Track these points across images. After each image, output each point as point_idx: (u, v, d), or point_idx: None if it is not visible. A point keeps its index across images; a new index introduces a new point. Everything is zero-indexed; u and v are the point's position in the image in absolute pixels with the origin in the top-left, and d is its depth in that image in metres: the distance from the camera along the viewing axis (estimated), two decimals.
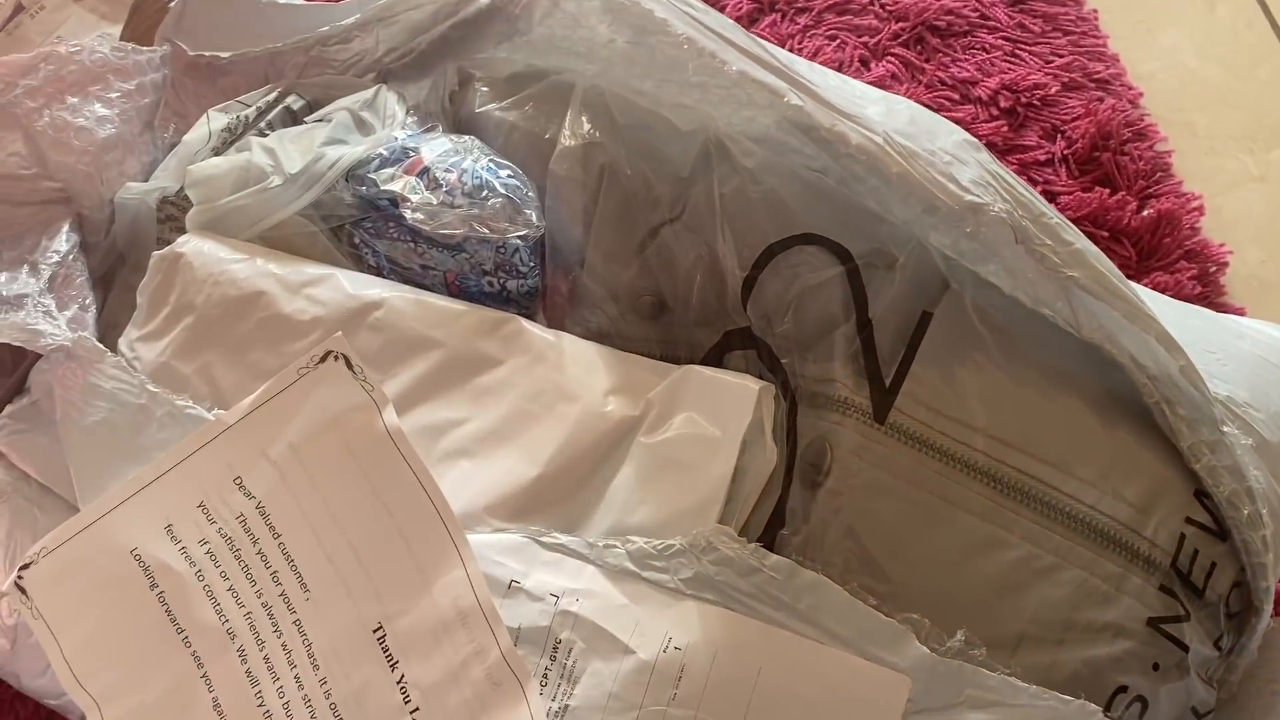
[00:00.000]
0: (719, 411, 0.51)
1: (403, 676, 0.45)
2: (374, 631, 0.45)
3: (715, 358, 0.56)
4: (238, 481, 0.47)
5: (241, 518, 0.47)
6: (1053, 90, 0.85)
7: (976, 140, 0.51)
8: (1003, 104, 0.85)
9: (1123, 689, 0.47)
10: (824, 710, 0.46)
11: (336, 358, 0.48)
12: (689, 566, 0.48)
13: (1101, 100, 0.85)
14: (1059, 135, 0.84)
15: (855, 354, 0.51)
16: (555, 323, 0.59)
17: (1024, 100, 0.85)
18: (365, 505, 0.47)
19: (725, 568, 0.47)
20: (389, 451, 0.47)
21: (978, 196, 0.49)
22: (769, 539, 0.49)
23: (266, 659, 0.45)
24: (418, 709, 0.45)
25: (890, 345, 0.51)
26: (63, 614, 0.47)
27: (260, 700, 0.45)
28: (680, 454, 0.51)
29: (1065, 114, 0.85)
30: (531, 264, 0.59)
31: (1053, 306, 0.53)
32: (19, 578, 0.47)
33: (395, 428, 0.47)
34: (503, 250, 0.58)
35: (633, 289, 0.58)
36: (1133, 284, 0.53)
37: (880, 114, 0.50)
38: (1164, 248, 0.78)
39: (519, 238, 0.57)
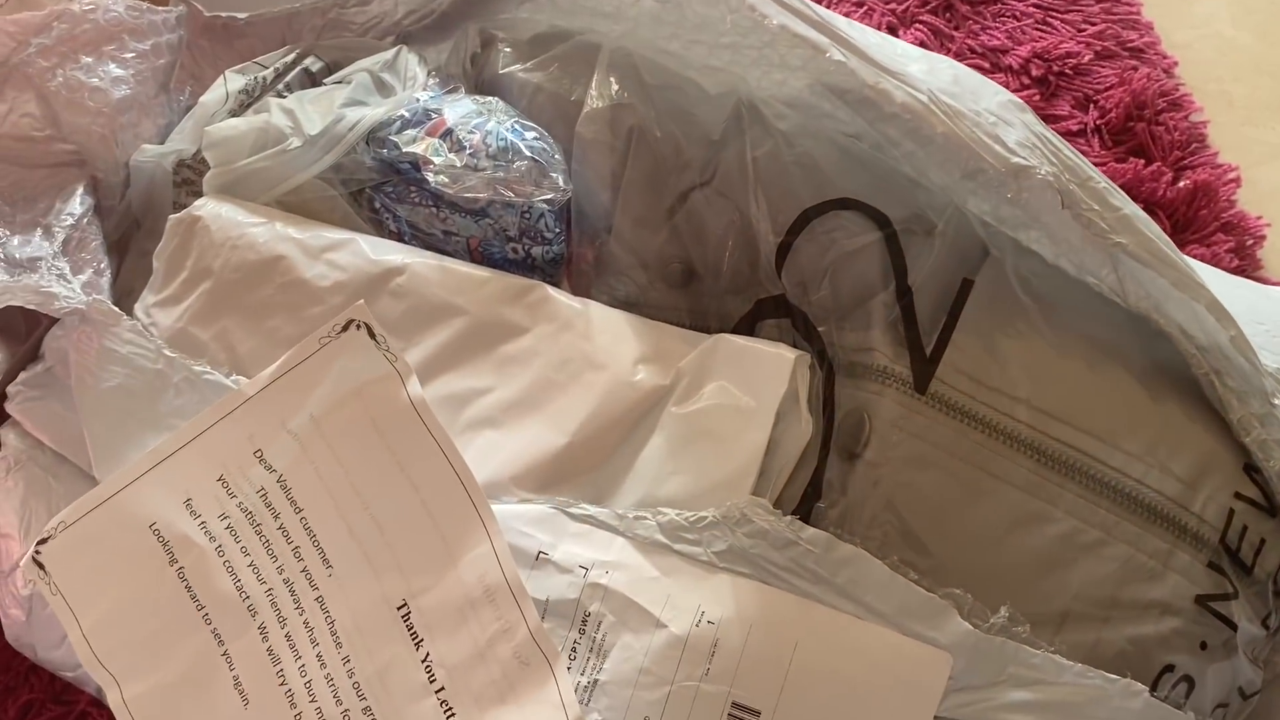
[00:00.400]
0: (753, 381, 0.50)
1: (427, 655, 0.44)
2: (398, 609, 0.44)
3: (747, 326, 0.54)
4: (258, 454, 0.46)
5: (262, 491, 0.46)
6: (1085, 59, 0.83)
7: (1021, 101, 0.50)
8: (1034, 73, 0.83)
9: (1169, 668, 0.46)
10: (862, 687, 0.44)
11: (359, 326, 0.47)
12: (722, 539, 0.46)
13: (1135, 69, 0.83)
14: (1092, 105, 0.82)
15: (895, 322, 0.49)
16: (581, 291, 0.58)
17: (1056, 69, 0.83)
18: (389, 478, 0.46)
19: (760, 540, 0.46)
20: (413, 423, 0.45)
21: (1024, 159, 0.47)
22: (805, 512, 0.48)
23: (288, 636, 0.44)
24: (443, 688, 0.43)
25: (930, 314, 0.50)
26: (81, 590, 0.46)
27: (282, 678, 0.43)
28: (713, 424, 0.50)
29: (1098, 83, 0.83)
30: (557, 230, 0.57)
31: (1098, 275, 0.51)
32: (36, 552, 0.46)
33: (419, 399, 0.46)
34: (528, 215, 0.57)
35: (661, 256, 0.56)
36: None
37: (923, 72, 0.49)
38: (1200, 220, 0.76)
39: (545, 202, 0.56)
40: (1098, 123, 0.81)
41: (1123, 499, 0.47)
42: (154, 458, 0.47)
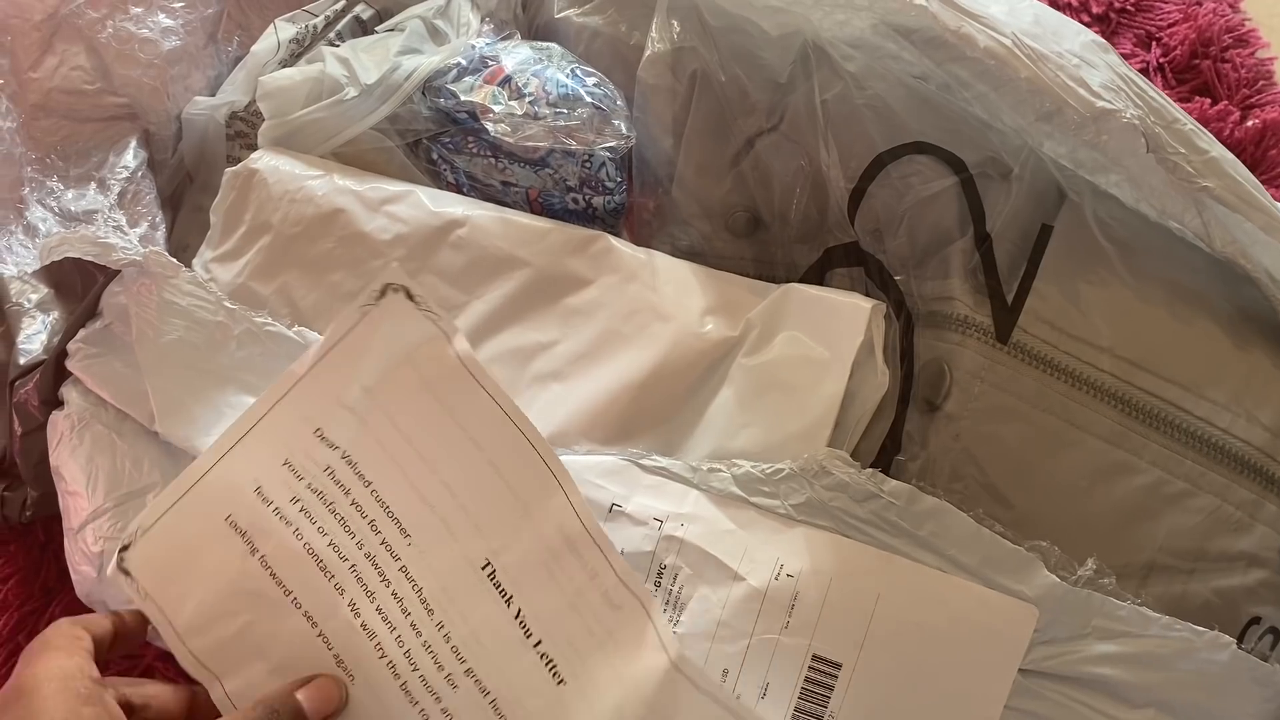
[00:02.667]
0: (826, 331, 0.49)
1: (519, 610, 0.43)
2: (482, 569, 0.44)
3: (816, 275, 0.53)
4: (319, 434, 0.45)
5: (329, 470, 0.45)
6: None
7: (1104, 41, 0.48)
8: (1094, 10, 0.80)
9: (1256, 620, 0.45)
10: (946, 640, 0.44)
11: (396, 290, 0.45)
12: (800, 491, 0.46)
13: (1200, 4, 0.80)
14: (1154, 42, 0.79)
15: (974, 270, 0.48)
16: (643, 241, 0.57)
17: (1117, 5, 0.80)
18: (452, 441, 0.45)
19: (839, 493, 0.45)
20: (465, 382, 0.45)
21: (1109, 102, 0.46)
22: (884, 465, 0.47)
23: (379, 609, 0.44)
24: (540, 641, 0.43)
25: (1010, 261, 0.48)
26: (169, 591, 0.45)
27: (380, 651, 0.43)
28: (785, 375, 0.49)
29: (1161, 19, 0.80)
30: (619, 179, 0.56)
31: (1181, 219, 0.49)
32: (120, 560, 0.46)
33: (468, 355, 0.45)
34: (589, 164, 0.55)
35: (726, 204, 0.55)
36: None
37: (1004, 13, 0.47)
38: (1269, 160, 0.74)
39: (607, 150, 0.54)
40: (1161, 61, 0.78)
41: (1209, 449, 0.46)
42: (217, 452, 0.46)
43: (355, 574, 0.44)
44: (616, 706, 0.44)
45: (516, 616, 0.43)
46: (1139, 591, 0.45)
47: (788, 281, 0.53)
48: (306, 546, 0.44)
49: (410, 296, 0.45)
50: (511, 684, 0.43)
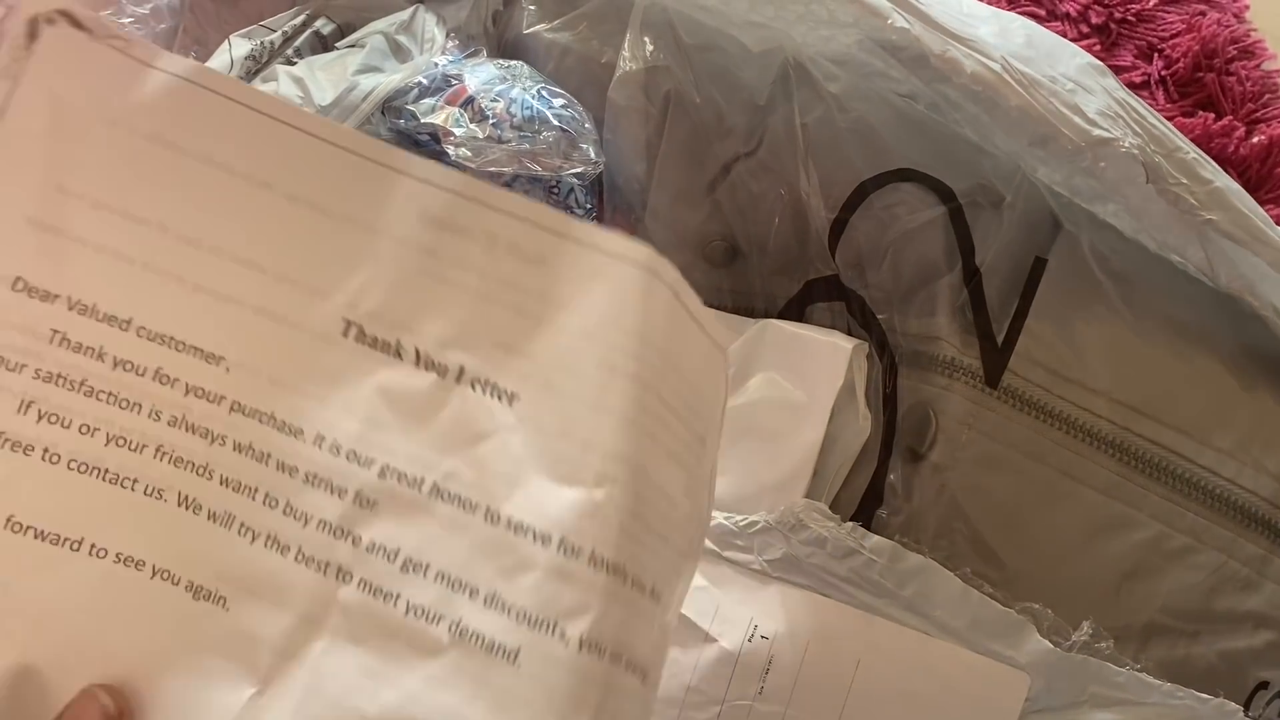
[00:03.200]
0: (805, 372, 0.46)
1: (417, 351, 0.29)
2: (345, 335, 0.29)
3: (796, 310, 0.50)
4: (18, 286, 0.28)
5: (57, 335, 0.28)
6: (1149, 4, 0.77)
7: (1101, 64, 0.45)
8: (1094, 20, 0.77)
9: (1263, 685, 0.43)
10: (931, 708, 0.41)
11: (51, 21, 0.28)
12: (776, 546, 0.43)
13: (1204, 14, 0.77)
14: (1156, 54, 0.76)
15: (963, 307, 0.45)
16: None
17: (1117, 16, 0.77)
18: (226, 197, 0.29)
19: (818, 549, 0.42)
20: (211, 107, 0.28)
21: (1106, 130, 0.43)
22: (865, 518, 0.44)
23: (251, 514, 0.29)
24: (461, 371, 0.29)
25: (1001, 296, 0.45)
26: None
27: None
28: (761, 420, 0.46)
29: (1163, 30, 0.77)
30: (588, 205, 0.53)
31: (1184, 252, 0.47)
32: None
33: (197, 69, 0.28)
34: (556, 190, 0.52)
35: (702, 233, 0.52)
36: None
37: (993, 35, 0.44)
38: (1275, 178, 0.71)
39: (575, 176, 0.51)
40: (1163, 73, 0.75)
41: (1213, 501, 0.43)
42: None
43: (169, 460, 0.29)
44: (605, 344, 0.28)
45: (418, 362, 0.29)
46: (1139, 655, 0.42)
47: (765, 315, 0.50)
48: (74, 466, 0.29)
49: (77, 24, 0.28)
50: (460, 470, 0.28)
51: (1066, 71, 0.44)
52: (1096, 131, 0.42)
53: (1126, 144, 0.42)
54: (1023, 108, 0.41)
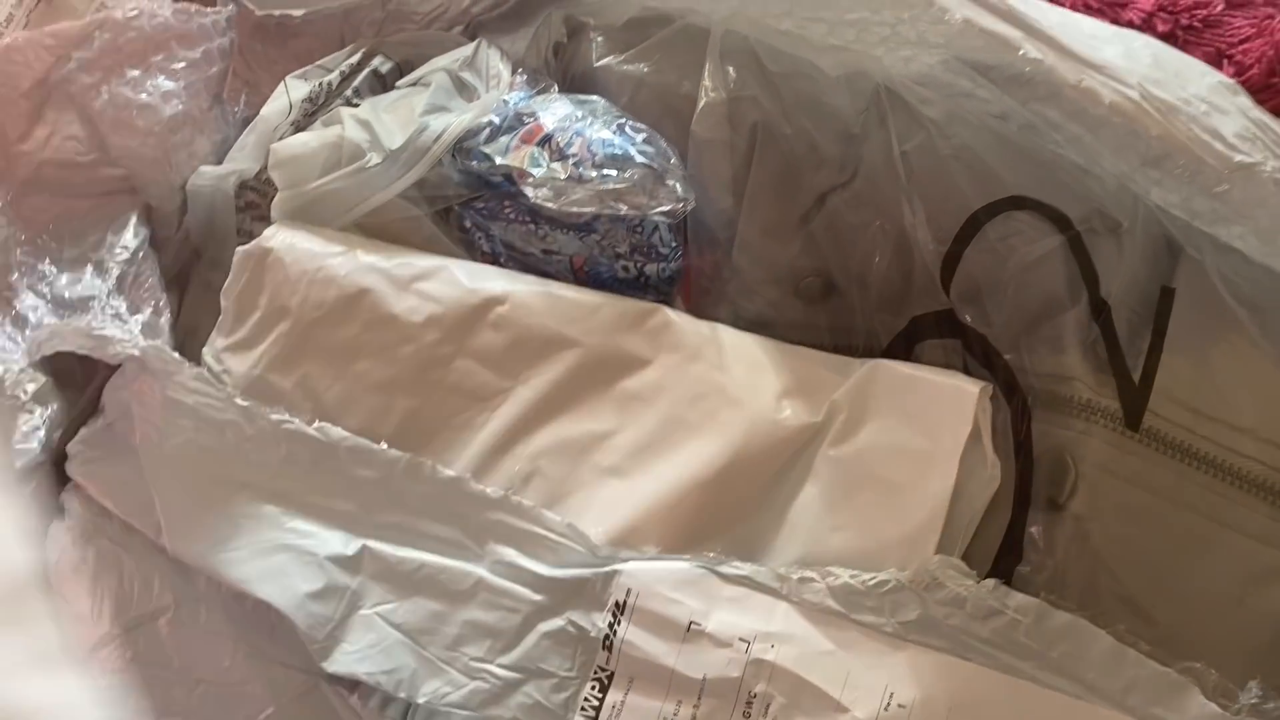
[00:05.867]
0: (926, 417, 0.43)
1: None
2: None
3: (903, 347, 0.47)
4: None
5: None
6: (1217, 9, 0.74)
7: (1233, 81, 0.42)
8: (1159, 28, 0.74)
9: None
10: None
11: None
12: (910, 607, 0.40)
13: (1274, 18, 0.75)
14: (1226, 61, 0.73)
15: (1094, 343, 0.42)
16: (701, 311, 0.51)
17: (1184, 22, 0.74)
18: None
19: (956, 609, 0.39)
20: None
21: (1247, 155, 0.40)
22: (1003, 574, 0.41)
23: None
24: None
25: (1130, 330, 0.43)
26: None
27: None
28: (880, 469, 0.43)
29: (1232, 35, 0.74)
30: (674, 244, 0.51)
31: None
32: None
33: None
34: (640, 230, 0.50)
35: (795, 268, 0.49)
36: None
37: (1122, 57, 0.41)
38: None
39: (662, 214, 0.49)
40: (1235, 81, 0.73)
41: None
42: None
43: None
44: None
45: None
46: None
47: (867, 354, 0.47)
48: None
49: None
50: None
51: (1199, 92, 0.41)
52: (1238, 158, 0.40)
53: (1269, 168, 0.40)
54: (1164, 137, 0.39)
